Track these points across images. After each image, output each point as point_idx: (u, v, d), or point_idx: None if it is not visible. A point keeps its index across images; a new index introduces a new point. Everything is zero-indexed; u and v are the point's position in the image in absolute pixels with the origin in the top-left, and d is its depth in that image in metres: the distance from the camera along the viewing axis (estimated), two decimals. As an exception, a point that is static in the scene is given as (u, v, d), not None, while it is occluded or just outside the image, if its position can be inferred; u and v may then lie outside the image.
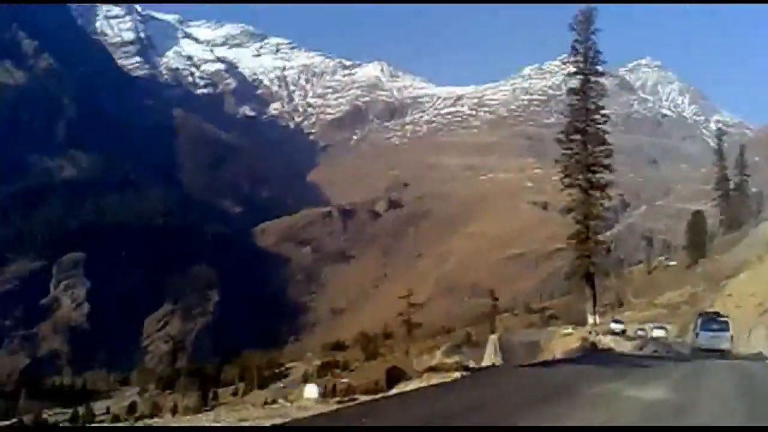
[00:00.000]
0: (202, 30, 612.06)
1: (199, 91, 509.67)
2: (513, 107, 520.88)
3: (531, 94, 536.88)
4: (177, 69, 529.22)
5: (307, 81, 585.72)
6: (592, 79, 55.91)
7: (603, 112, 56.99)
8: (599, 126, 56.21)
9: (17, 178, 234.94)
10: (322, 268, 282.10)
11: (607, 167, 55.84)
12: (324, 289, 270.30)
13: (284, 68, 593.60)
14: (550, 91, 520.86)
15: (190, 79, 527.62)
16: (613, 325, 66.34)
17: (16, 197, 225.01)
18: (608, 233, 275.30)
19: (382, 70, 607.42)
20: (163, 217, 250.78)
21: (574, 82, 56.86)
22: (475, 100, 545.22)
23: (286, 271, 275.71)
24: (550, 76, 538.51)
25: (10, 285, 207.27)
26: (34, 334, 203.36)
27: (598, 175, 55.73)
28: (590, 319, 57.17)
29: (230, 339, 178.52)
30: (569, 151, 56.08)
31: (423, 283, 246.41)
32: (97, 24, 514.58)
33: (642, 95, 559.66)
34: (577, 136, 55.96)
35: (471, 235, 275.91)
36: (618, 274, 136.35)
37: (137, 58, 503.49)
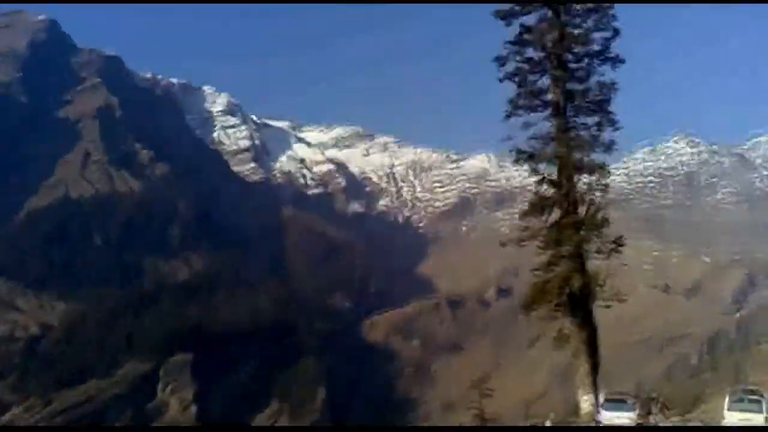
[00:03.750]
0: (314, 133, 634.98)
1: (310, 192, 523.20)
2: (627, 189, 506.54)
3: (645, 176, 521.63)
4: (290, 172, 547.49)
5: (415, 176, 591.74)
6: None
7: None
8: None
9: (132, 282, 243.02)
10: (432, 361, 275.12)
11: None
12: (434, 383, 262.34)
13: (392, 165, 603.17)
14: (666, 173, 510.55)
15: (302, 180, 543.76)
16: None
17: (128, 300, 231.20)
18: (737, 314, 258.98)
19: (489, 161, 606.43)
20: (271, 315, 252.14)
21: None
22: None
23: (395, 364, 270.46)
24: (665, 158, 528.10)
25: (119, 389, 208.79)
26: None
27: (581, 83, 32.07)
28: (583, 402, 31.60)
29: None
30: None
31: (538, 373, 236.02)
32: (215, 134, 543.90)
33: (764, 172, 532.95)
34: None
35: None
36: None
37: (252, 164, 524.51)
